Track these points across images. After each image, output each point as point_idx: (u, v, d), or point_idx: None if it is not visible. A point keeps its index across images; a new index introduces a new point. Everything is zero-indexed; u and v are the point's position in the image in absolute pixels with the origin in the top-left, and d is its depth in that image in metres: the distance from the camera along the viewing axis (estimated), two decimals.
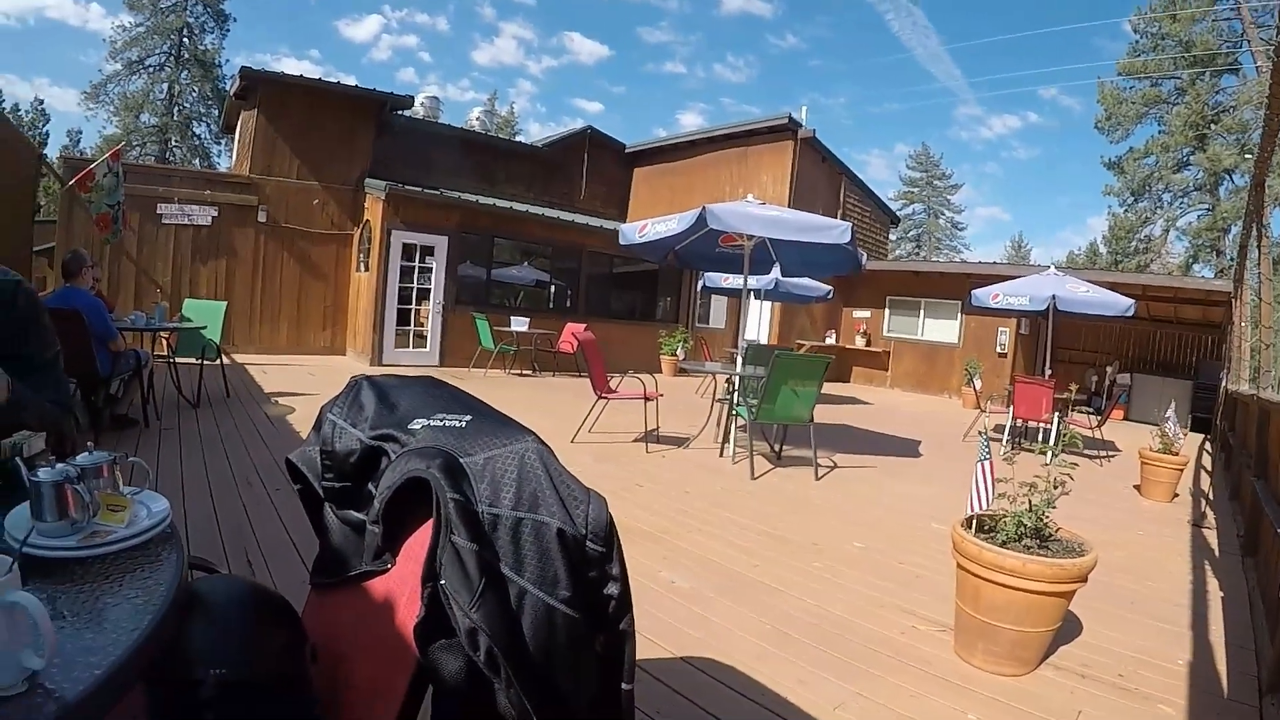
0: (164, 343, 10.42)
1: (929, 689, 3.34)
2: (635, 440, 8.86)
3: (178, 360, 9.85)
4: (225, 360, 10.55)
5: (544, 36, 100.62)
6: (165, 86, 43.89)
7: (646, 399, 8.66)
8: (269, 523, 5.01)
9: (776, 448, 8.64)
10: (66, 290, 7.20)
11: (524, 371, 16.40)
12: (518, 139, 42.15)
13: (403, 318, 16.00)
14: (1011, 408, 10.69)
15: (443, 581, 1.33)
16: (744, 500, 6.57)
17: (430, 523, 1.38)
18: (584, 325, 14.52)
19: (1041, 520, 3.63)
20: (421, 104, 25.68)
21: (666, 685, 3.17)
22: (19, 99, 56.02)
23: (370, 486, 1.67)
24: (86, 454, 1.56)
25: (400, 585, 1.55)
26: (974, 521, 3.81)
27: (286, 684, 1.49)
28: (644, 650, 1.41)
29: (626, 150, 24.20)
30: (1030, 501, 3.64)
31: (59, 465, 1.48)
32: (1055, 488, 3.61)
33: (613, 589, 1.40)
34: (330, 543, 1.78)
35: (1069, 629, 3.95)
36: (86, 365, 6.78)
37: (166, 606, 1.26)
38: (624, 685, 1.44)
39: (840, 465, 8.42)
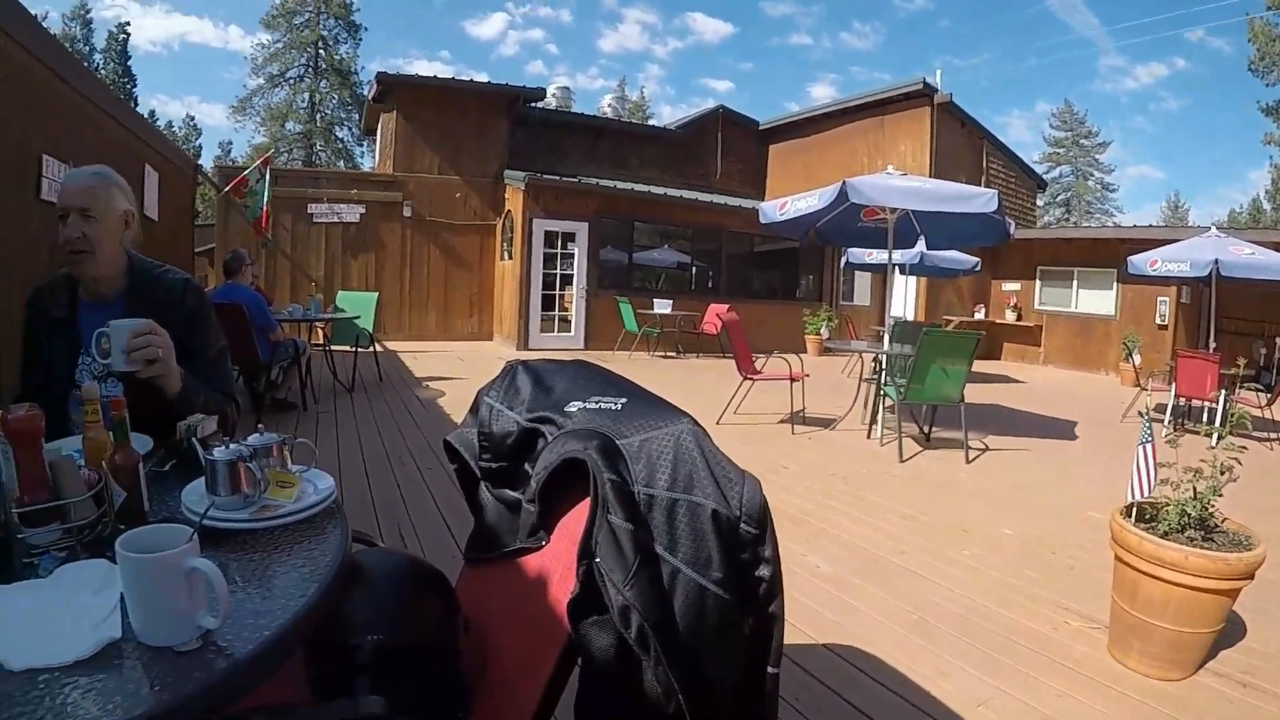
0: (320, 332, 10.96)
1: (1077, 689, 3.13)
2: (781, 422, 8.76)
3: (333, 348, 10.33)
4: (377, 347, 11.03)
5: (666, 19, 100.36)
6: (306, 96, 45.90)
7: (791, 380, 8.48)
8: (421, 499, 5.23)
9: (925, 429, 8.32)
10: (229, 287, 7.80)
11: (668, 354, 16.38)
12: (650, 123, 42.19)
13: (547, 303, 16.28)
14: (1174, 385, 9.79)
15: (598, 559, 1.36)
16: (890, 483, 6.40)
17: (586, 502, 1.41)
18: (727, 306, 14.41)
19: (1207, 510, 3.32)
20: (553, 95, 26.07)
21: (805, 670, 3.14)
22: (171, 117, 60.32)
23: (526, 466, 1.73)
24: (257, 435, 1.66)
25: (554, 562, 1.59)
26: (1134, 510, 3.53)
27: (438, 653, 1.57)
28: (785, 634, 1.40)
29: (760, 127, 23.64)
30: (1195, 489, 3.34)
31: (233, 445, 1.58)
32: (1222, 474, 3.28)
33: (764, 571, 1.40)
34: (485, 520, 1.85)
35: (1232, 631, 3.57)
36: (249, 354, 7.30)
37: (331, 576, 1.34)
38: (770, 669, 1.43)
39: (991, 447, 8.04)
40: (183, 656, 1.07)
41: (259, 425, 1.75)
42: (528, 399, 1.79)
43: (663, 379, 12.10)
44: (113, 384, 2.25)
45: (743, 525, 1.38)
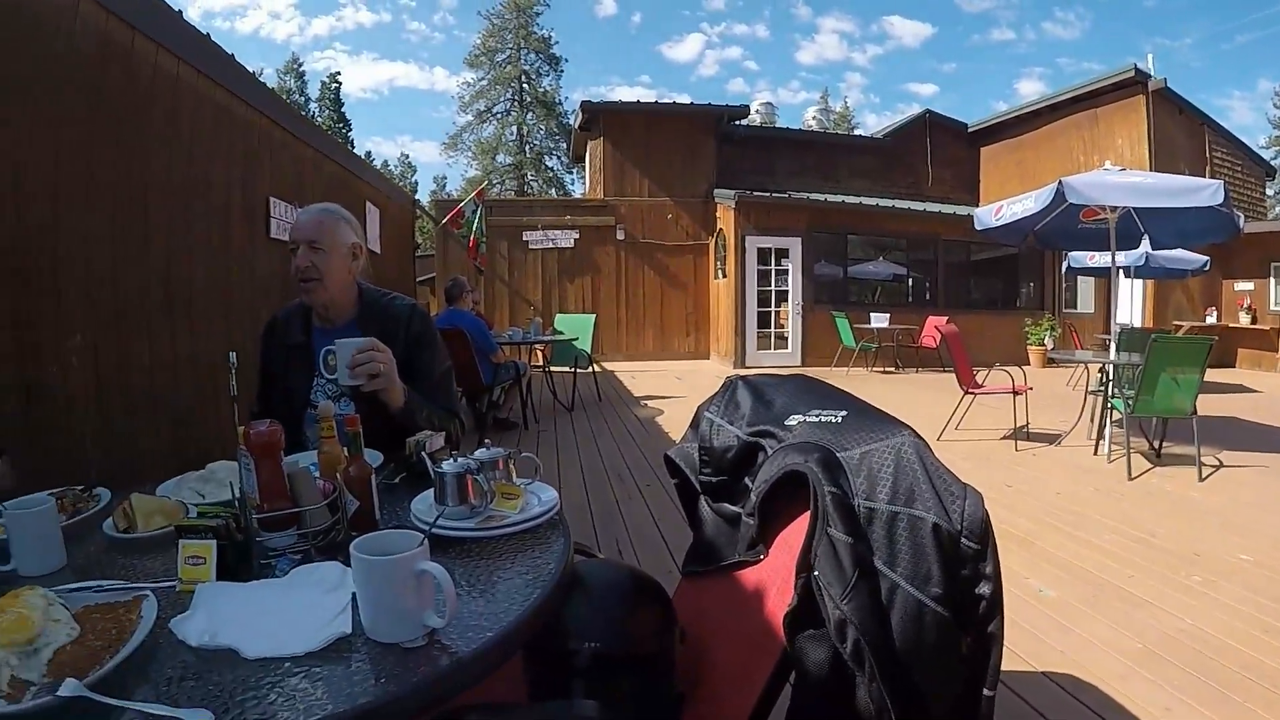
0: (539, 354, 11.37)
1: None
2: (1003, 438, 8.34)
3: (552, 369, 10.69)
4: (596, 368, 11.32)
5: (863, 25, 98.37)
6: (514, 129, 47.66)
7: (1014, 393, 8.08)
8: (639, 515, 5.33)
9: (1155, 444, 7.67)
10: (451, 312, 8.27)
11: (886, 369, 15.94)
12: (856, 133, 41.39)
13: (763, 320, 16.26)
14: None
15: (816, 573, 1.35)
16: (1118, 503, 5.95)
17: (805, 516, 1.41)
18: (945, 318, 13.91)
19: None
20: (757, 111, 25.96)
21: (1022, 698, 2.98)
22: (387, 156, 64.73)
23: (746, 480, 1.74)
24: (484, 449, 1.75)
25: (772, 576, 1.59)
26: None
27: (654, 662, 1.58)
28: (1002, 657, 1.31)
29: (969, 130, 22.46)
30: None
31: (461, 459, 1.68)
32: None
33: (984, 589, 1.34)
34: (704, 534, 1.88)
35: None
36: (472, 376, 7.72)
37: (553, 584, 1.40)
38: (986, 691, 1.37)
39: (1226, 464, 7.28)
40: (409, 653, 1.16)
41: (485, 440, 1.85)
42: (748, 413, 1.81)
43: (881, 395, 11.72)
44: (346, 403, 2.46)
45: (964, 540, 1.34)
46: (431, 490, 1.71)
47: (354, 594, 1.26)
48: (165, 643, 1.20)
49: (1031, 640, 3.46)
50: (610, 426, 8.88)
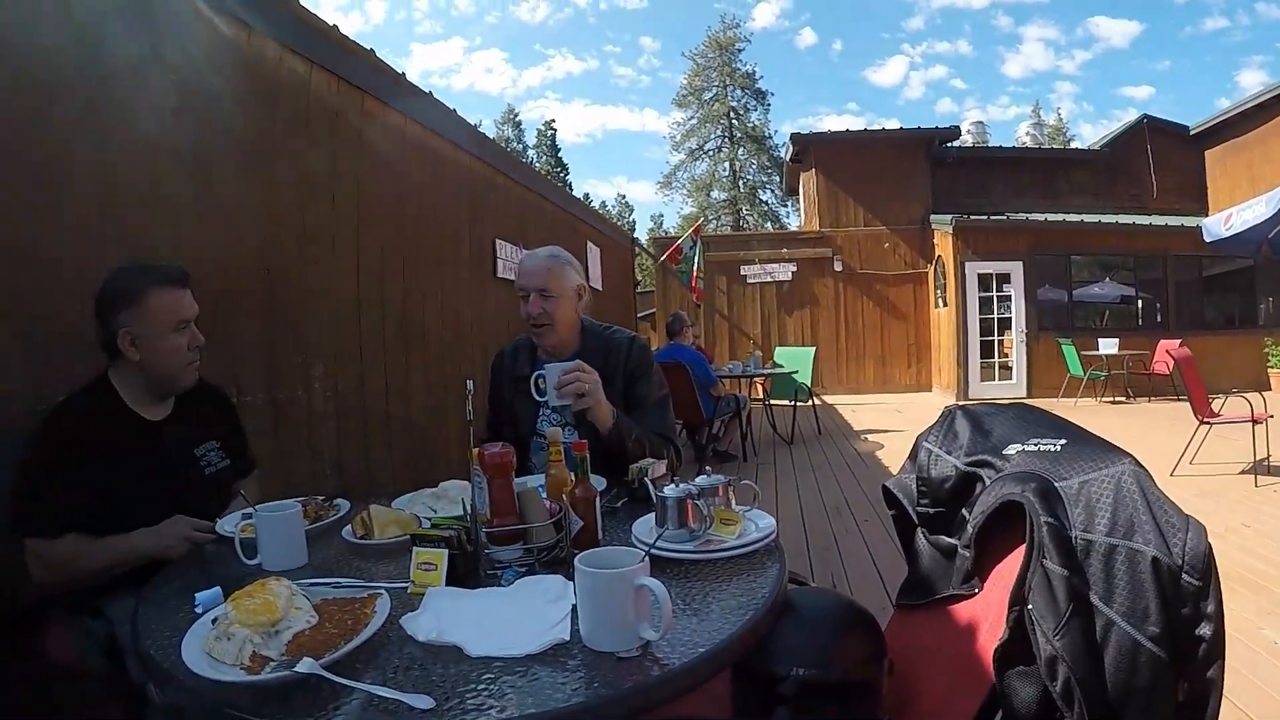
0: (759, 387, 11.38)
1: None
2: (1242, 472, 7.53)
3: (772, 402, 10.69)
4: (815, 401, 11.19)
5: (1068, 30, 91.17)
6: (727, 165, 47.78)
7: (1254, 421, 7.32)
8: (856, 549, 5.24)
9: None
10: (672, 346, 8.45)
11: (1116, 399, 14.75)
12: (1072, 145, 39.05)
13: (985, 349, 15.54)
14: None
15: (1029, 606, 1.33)
16: None
17: (1020, 550, 1.38)
18: (1178, 341, 12.80)
19: None
20: (968, 131, 24.79)
21: None
22: (604, 197, 67.05)
23: (963, 512, 1.72)
24: (704, 476, 1.81)
25: (984, 610, 1.56)
26: None
27: (861, 692, 1.57)
28: (1225, 714, 1.15)
29: (1191, 132, 20.12)
30: None
31: (682, 484, 1.75)
32: None
33: (1205, 630, 1.27)
34: (919, 566, 1.85)
35: None
36: (692, 409, 7.84)
37: (766, 607, 1.43)
38: None
39: None
40: (622, 662, 1.23)
41: (706, 468, 1.91)
42: (966, 443, 1.78)
43: (1110, 427, 10.73)
44: (571, 431, 2.60)
45: (1185, 576, 1.27)
46: (653, 514, 1.79)
47: (574, 605, 1.36)
48: (395, 636, 1.34)
49: (1259, 695, 3.07)
50: (829, 460, 8.77)
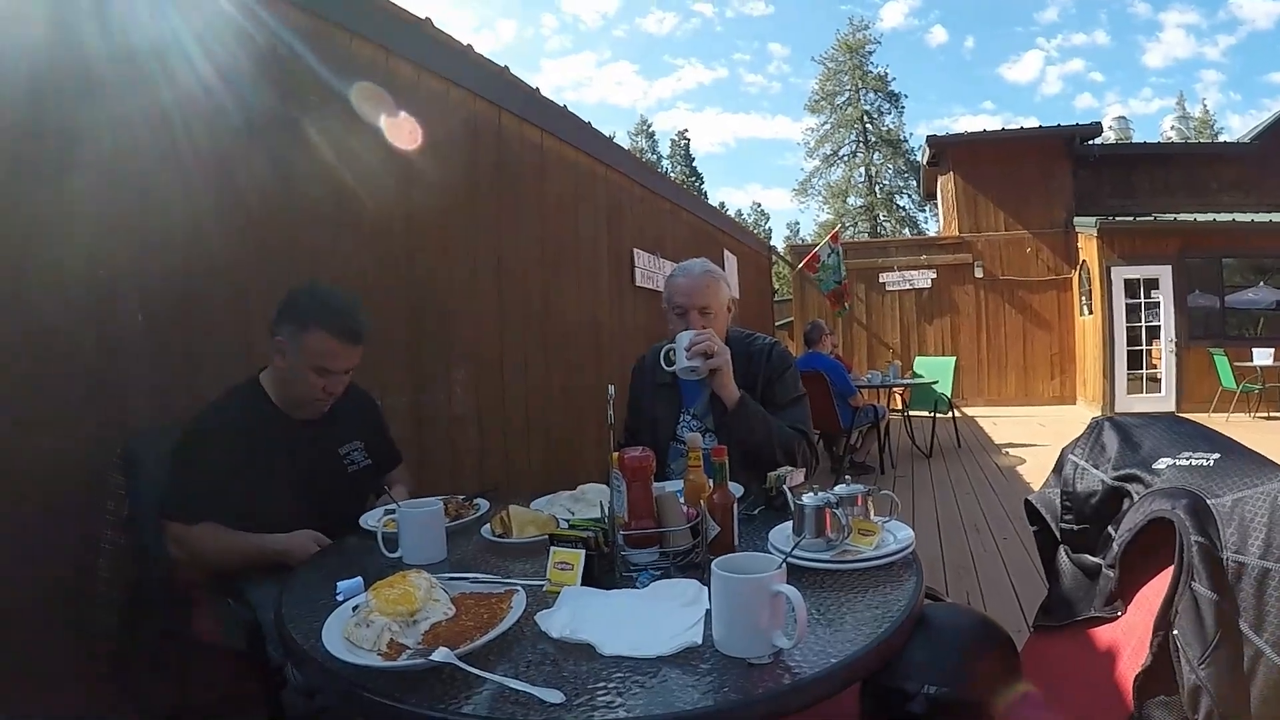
0: (898, 398, 11.12)
1: None
2: None
3: (911, 414, 10.40)
4: (955, 413, 10.88)
5: (1209, 14, 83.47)
6: (862, 170, 46.79)
7: None
8: (993, 568, 5.07)
9: None
10: (810, 355, 8.37)
11: (1271, 414, 13.52)
12: (1220, 139, 36.59)
13: (1132, 360, 14.68)
14: None
15: (1175, 631, 1.27)
16: None
17: (1168, 570, 1.33)
18: None
19: None
20: (1110, 127, 23.27)
21: None
22: (739, 206, 65.85)
23: (1109, 529, 1.65)
24: (844, 485, 1.78)
25: (1127, 635, 1.49)
26: None
27: (991, 712, 1.52)
28: None
29: None
30: None
31: (821, 493, 1.73)
32: None
33: None
34: (1060, 586, 1.78)
35: None
36: (830, 419, 7.71)
37: (901, 621, 1.40)
38: None
39: None
40: (753, 668, 1.22)
41: (845, 476, 1.88)
42: (1114, 456, 1.71)
43: (1262, 444, 9.99)
44: (710, 438, 2.62)
45: None
46: (789, 523, 1.78)
47: (708, 610, 1.36)
48: (529, 632, 1.37)
49: None
50: (968, 474, 8.51)
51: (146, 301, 2.73)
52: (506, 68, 4.92)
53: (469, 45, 4.51)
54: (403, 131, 3.97)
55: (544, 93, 5.49)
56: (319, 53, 3.52)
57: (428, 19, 4.15)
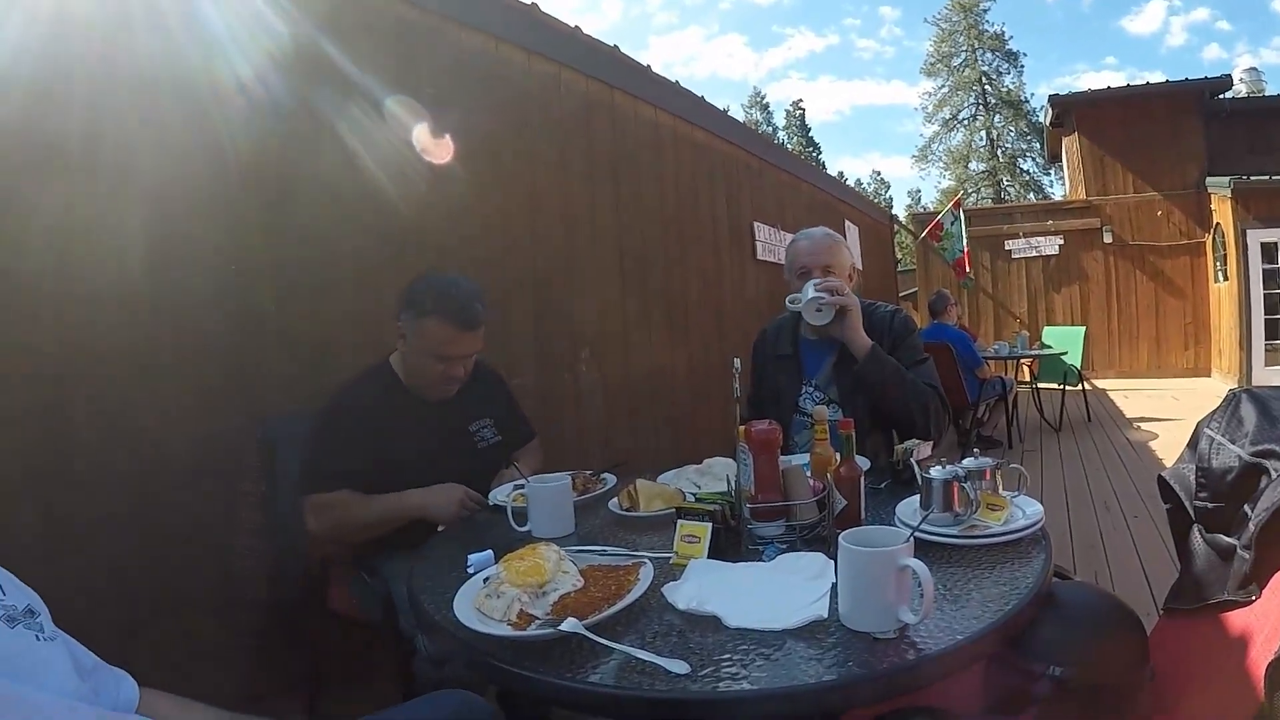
0: (1026, 369, 10.77)
1: None
2: None
3: (1039, 386, 10.03)
4: (1085, 385, 10.45)
5: None
6: (983, 133, 45.12)
7: None
8: (1122, 546, 4.87)
9: None
10: (935, 326, 8.19)
11: None
12: None
13: (1270, 329, 13.60)
14: None
15: None
16: None
17: None
18: None
19: None
20: (1240, 80, 21.36)
21: None
22: (859, 175, 64.57)
23: (1246, 508, 1.55)
24: (972, 458, 1.74)
25: (1261, 621, 1.41)
26: None
27: (1117, 697, 1.47)
28: None
29: None
30: None
31: (948, 466, 1.69)
32: None
33: None
34: (1192, 568, 1.70)
35: None
36: (957, 392, 7.51)
37: (1028, 599, 1.36)
38: None
39: None
40: (878, 642, 1.21)
41: (974, 450, 1.84)
42: (1251, 430, 1.62)
43: None
44: (836, 409, 2.58)
45: None
46: (916, 497, 1.75)
47: (833, 584, 1.35)
48: (656, 604, 1.39)
49: None
50: (1098, 449, 8.17)
51: (278, 293, 2.90)
52: (616, 47, 4.95)
53: (576, 27, 4.57)
54: (511, 117, 4.08)
55: (654, 70, 5.50)
56: (431, 45, 3.62)
57: (534, 4, 4.21)
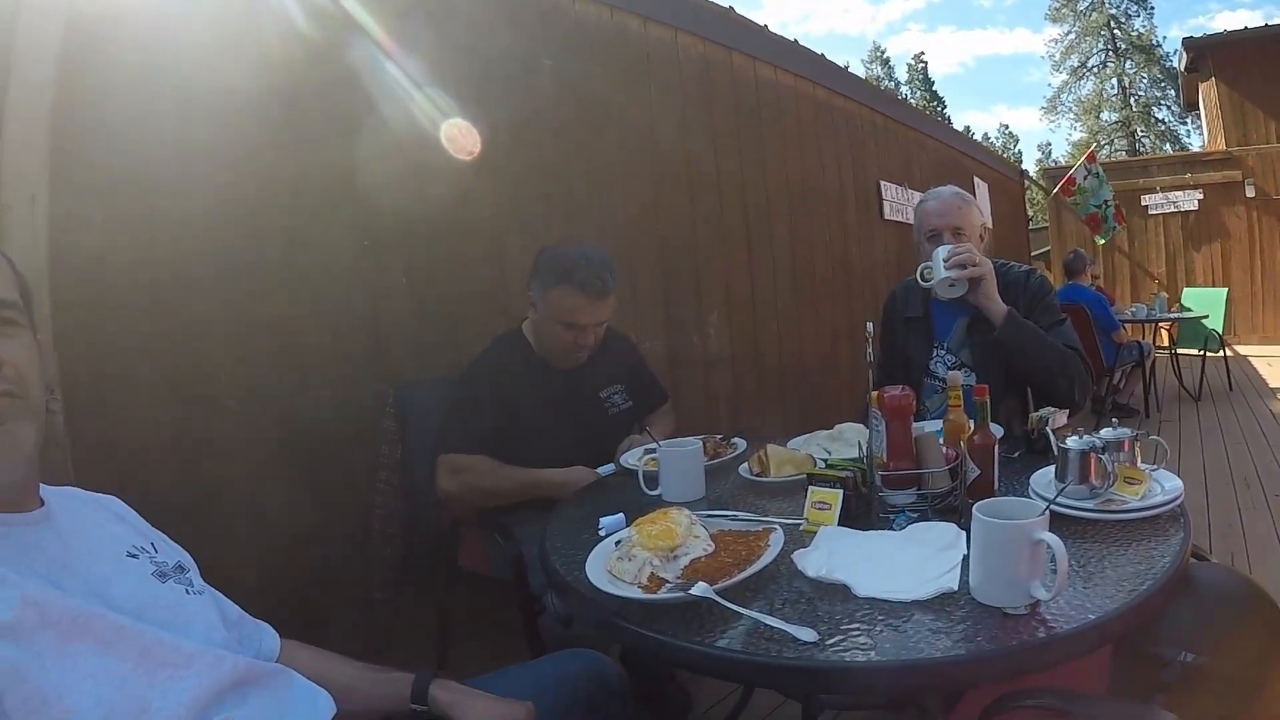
0: (1164, 334, 10.26)
1: None
2: None
3: (1178, 352, 9.49)
4: (1227, 351, 9.80)
5: None
6: (1114, 81, 42.43)
7: None
8: (1261, 526, 4.63)
9: None
10: (1070, 287, 7.91)
11: None
12: None
13: None
14: None
15: None
16: None
17: None
18: None
19: None
20: None
21: None
22: (986, 129, 61.87)
23: None
24: (1110, 429, 1.67)
25: None
26: None
27: (1250, 687, 1.40)
28: None
29: None
30: None
31: (1085, 437, 1.63)
32: None
33: None
34: None
35: None
36: (1093, 356, 7.21)
37: (1164, 580, 1.29)
38: None
39: None
40: (1008, 618, 1.18)
41: (1113, 419, 1.77)
42: None
43: None
44: (969, 373, 2.53)
45: None
46: (1051, 468, 1.70)
47: (964, 556, 1.33)
48: (785, 570, 1.40)
49: None
50: (1240, 421, 7.70)
51: (410, 265, 3.01)
52: (731, 8, 4.90)
53: None
54: (633, 85, 4.11)
55: (771, 30, 5.44)
56: (548, 16, 3.67)
57: None
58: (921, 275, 2.50)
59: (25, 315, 1.07)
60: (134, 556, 1.16)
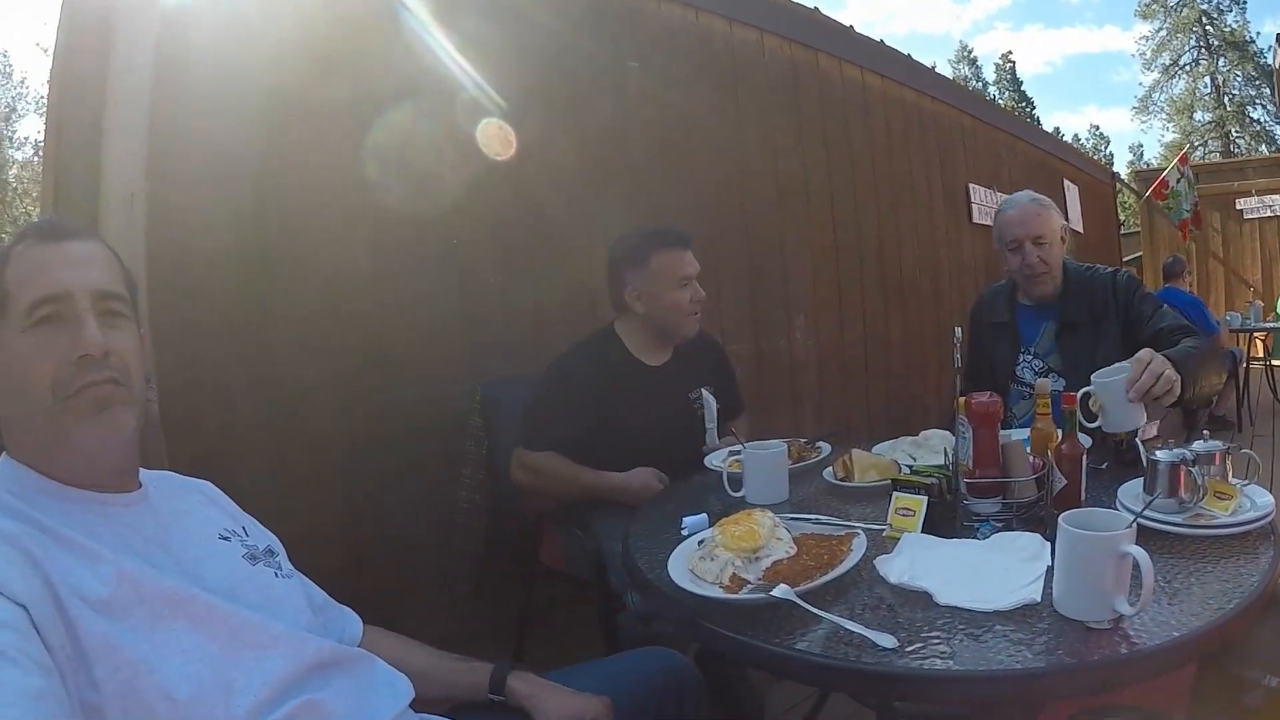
0: (1259, 344, 9.88)
1: None
2: None
3: (1274, 363, 9.12)
4: None
5: None
6: (1207, 80, 40.56)
7: None
8: None
9: None
10: (1166, 291, 7.67)
11: None
12: None
13: None
14: None
15: None
16: None
17: None
18: None
19: None
20: None
21: None
22: (1076, 130, 60.06)
23: None
24: (1201, 440, 1.64)
25: None
26: None
27: None
28: None
29: None
30: None
31: (1176, 449, 1.59)
32: None
33: None
34: None
35: None
36: None
37: (1252, 599, 1.26)
38: None
39: None
40: (1091, 632, 1.16)
41: (1204, 431, 1.72)
42: None
43: None
44: (1056, 379, 2.50)
45: None
46: (1140, 480, 1.66)
47: (1048, 568, 1.31)
48: (867, 576, 1.40)
49: None
50: None
51: (499, 268, 3.09)
52: (816, 9, 4.89)
53: None
54: (719, 87, 4.13)
55: (856, 30, 5.41)
56: (632, 20, 3.74)
57: None
58: (1085, 405, 1.98)
59: (130, 308, 1.13)
60: (226, 539, 1.21)
